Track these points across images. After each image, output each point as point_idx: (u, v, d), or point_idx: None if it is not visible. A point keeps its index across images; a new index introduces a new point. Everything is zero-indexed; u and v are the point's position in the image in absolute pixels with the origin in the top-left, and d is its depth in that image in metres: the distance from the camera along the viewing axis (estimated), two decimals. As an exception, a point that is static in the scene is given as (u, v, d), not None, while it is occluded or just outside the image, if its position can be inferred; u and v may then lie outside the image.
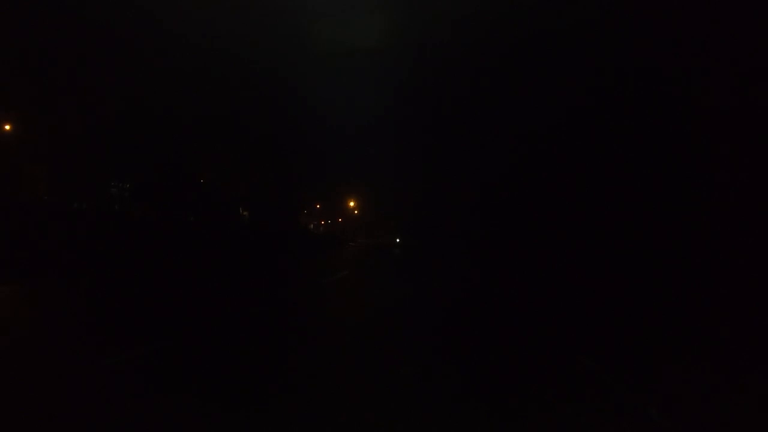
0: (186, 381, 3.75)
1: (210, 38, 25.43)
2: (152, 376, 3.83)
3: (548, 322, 6.69)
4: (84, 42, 24.68)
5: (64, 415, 3.04)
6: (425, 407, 3.35)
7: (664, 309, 7.86)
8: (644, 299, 8.95)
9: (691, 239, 9.15)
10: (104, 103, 27.39)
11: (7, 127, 25.93)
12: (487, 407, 3.41)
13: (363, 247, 41.41)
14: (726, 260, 8.39)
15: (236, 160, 36.46)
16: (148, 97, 27.47)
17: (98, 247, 13.10)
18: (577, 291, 10.43)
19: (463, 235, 25.82)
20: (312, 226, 67.84)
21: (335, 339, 5.40)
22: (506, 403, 3.53)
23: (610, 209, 11.63)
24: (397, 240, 43.85)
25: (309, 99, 32.66)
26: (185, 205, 30.50)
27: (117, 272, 11.17)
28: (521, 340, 5.58)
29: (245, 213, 46.98)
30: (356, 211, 75.59)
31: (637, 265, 10.43)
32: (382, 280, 12.85)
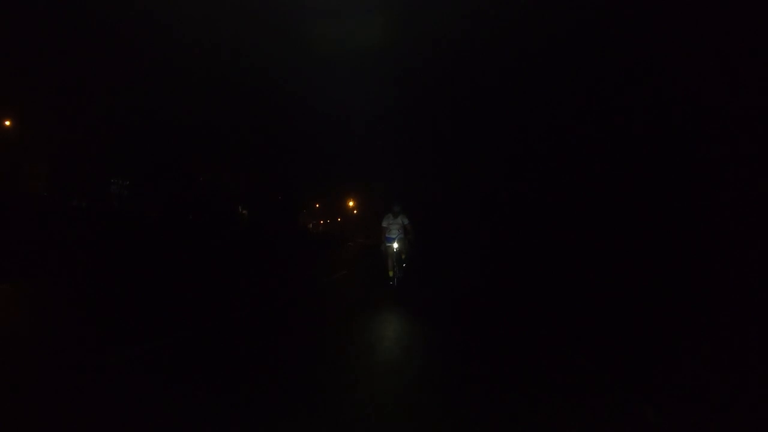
0: (185, 380, 3.75)
1: (213, 39, 25.50)
2: (151, 375, 3.83)
3: (548, 322, 6.70)
4: (85, 40, 24.71)
5: (63, 414, 3.04)
6: (425, 407, 3.36)
7: (664, 309, 7.87)
8: (644, 299, 8.97)
9: (691, 239, 9.17)
10: (105, 101, 27.45)
11: (7, 123, 26.00)
12: (487, 407, 3.42)
13: (362, 247, 41.41)
14: (726, 260, 8.41)
15: (235, 160, 36.48)
16: (149, 96, 27.53)
17: (97, 245, 13.12)
18: (577, 291, 10.44)
19: (464, 234, 25.80)
20: (311, 225, 67.91)
21: (336, 338, 5.41)
22: (506, 402, 3.53)
23: (611, 209, 11.67)
24: (395, 245, 11.96)
25: (308, 99, 32.63)
26: (184, 204, 30.58)
27: (115, 270, 11.16)
28: (521, 340, 5.59)
29: (245, 212, 47.04)
30: (355, 211, 75.67)
31: (637, 265, 10.45)
32: (382, 280, 12.85)
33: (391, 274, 10.25)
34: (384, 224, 10.34)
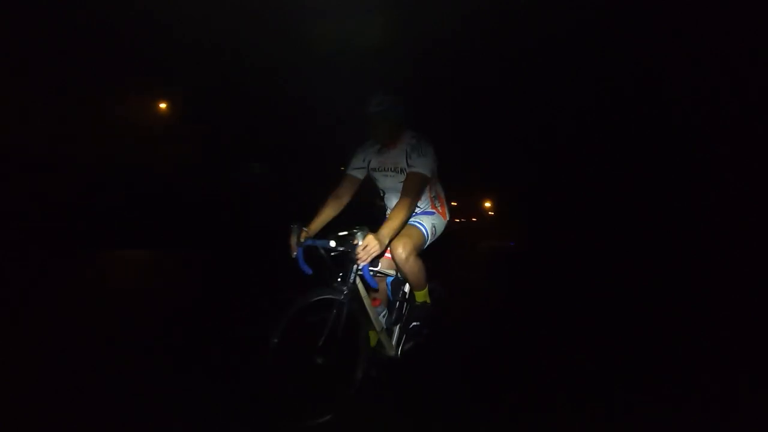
0: (189, 379, 3.75)
1: (229, 43, 25.74)
2: (154, 373, 3.83)
3: (548, 322, 6.69)
4: (104, 45, 24.91)
5: (63, 413, 3.04)
6: (426, 406, 3.36)
7: (665, 308, 7.86)
8: (645, 299, 8.96)
9: (692, 238, 9.17)
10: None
11: (163, 106, 27.25)
12: (487, 407, 3.42)
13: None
14: (727, 259, 8.41)
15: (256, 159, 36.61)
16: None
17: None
18: (577, 290, 10.43)
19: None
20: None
21: (343, 337, 5.38)
22: (506, 403, 3.53)
23: (612, 209, 11.67)
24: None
25: (308, 99, 32.69)
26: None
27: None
28: (521, 339, 5.59)
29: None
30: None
31: (638, 265, 10.45)
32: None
33: (378, 338, 3.38)
34: (353, 171, 3.40)
